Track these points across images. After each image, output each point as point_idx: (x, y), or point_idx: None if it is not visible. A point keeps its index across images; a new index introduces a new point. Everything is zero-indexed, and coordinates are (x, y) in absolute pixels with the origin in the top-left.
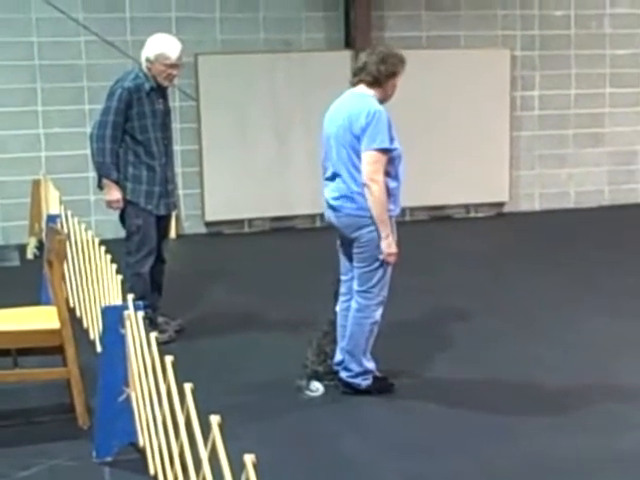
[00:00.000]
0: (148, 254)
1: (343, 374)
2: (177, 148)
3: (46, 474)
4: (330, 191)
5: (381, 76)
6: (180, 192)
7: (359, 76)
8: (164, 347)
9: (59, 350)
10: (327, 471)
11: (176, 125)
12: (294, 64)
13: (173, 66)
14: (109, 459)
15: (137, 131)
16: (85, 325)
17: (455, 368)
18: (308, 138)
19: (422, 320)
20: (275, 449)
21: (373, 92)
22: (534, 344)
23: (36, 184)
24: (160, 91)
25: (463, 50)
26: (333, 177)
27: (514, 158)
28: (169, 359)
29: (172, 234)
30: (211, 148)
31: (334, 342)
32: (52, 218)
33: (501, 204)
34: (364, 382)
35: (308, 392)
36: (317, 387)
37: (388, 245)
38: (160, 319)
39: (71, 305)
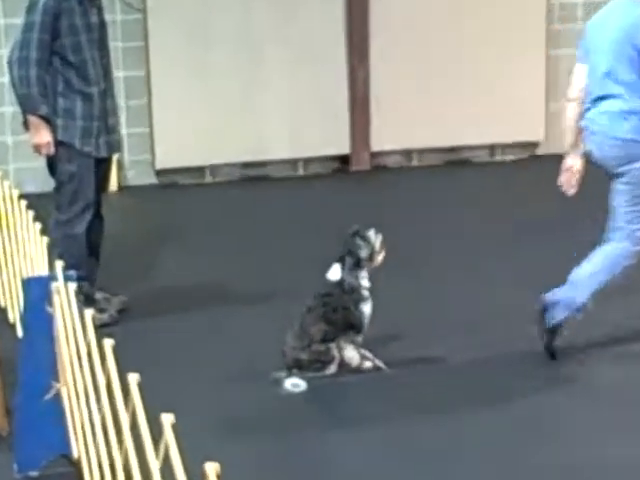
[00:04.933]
0: (84, 209)
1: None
2: (118, 74)
3: None
4: (597, 114)
5: None
6: (122, 132)
7: None
8: (103, 330)
9: None
10: None
11: (116, 44)
12: None
13: None
14: (34, 474)
15: (69, 50)
16: (2, 303)
17: (484, 354)
18: (289, 58)
19: (442, 294)
20: (246, 458)
21: None
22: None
23: None
24: None
25: None
26: (602, 98)
27: (551, 84)
28: (109, 343)
29: (112, 185)
30: (162, 74)
31: (321, 321)
32: None
33: (534, 144)
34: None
35: (287, 387)
36: (298, 382)
37: None
38: (98, 295)
39: None
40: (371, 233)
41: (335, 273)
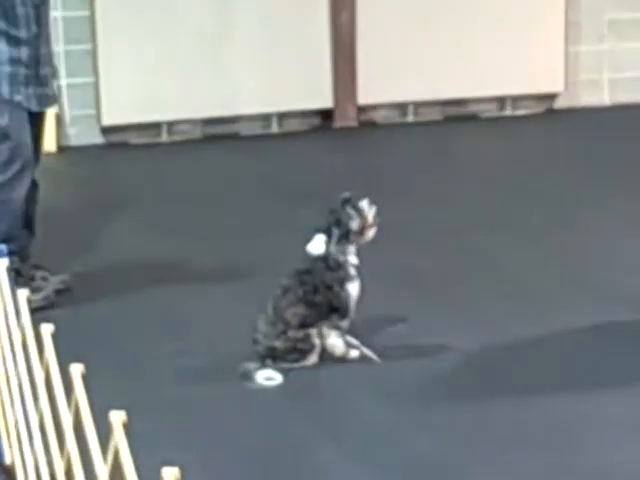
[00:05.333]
0: (23, 169)
1: None
2: (56, 14)
3: None
4: None
5: None
6: (62, 82)
7: None
8: (40, 315)
9: None
10: None
11: None
12: None
13: None
14: None
15: None
16: None
17: (484, 341)
18: None
19: (436, 272)
20: (209, 462)
21: None
22: (603, 308)
23: None
24: None
25: None
26: None
27: (571, 25)
28: (48, 330)
29: (49, 144)
30: (109, 14)
31: (299, 303)
32: None
33: (552, 96)
34: None
35: (260, 381)
36: (273, 375)
37: None
38: (34, 273)
39: None
40: (364, 203)
41: (318, 246)
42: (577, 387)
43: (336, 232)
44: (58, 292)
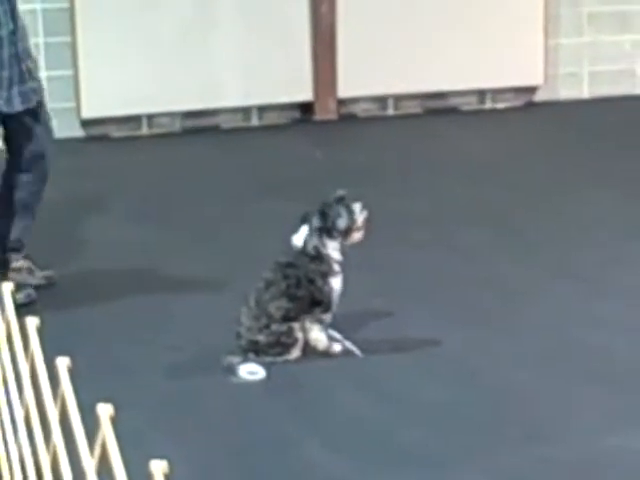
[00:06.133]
0: None
1: None
2: (36, 6)
3: None
4: None
5: None
6: (42, 75)
7: None
8: (24, 309)
9: None
10: None
11: None
12: None
13: None
14: None
15: None
16: None
17: (466, 333)
18: None
19: (418, 265)
20: (195, 455)
21: None
22: (581, 297)
23: None
24: None
25: None
26: None
27: (551, 19)
28: (33, 322)
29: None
30: (89, 6)
31: (282, 297)
32: None
33: (532, 89)
34: None
35: (242, 375)
36: (255, 369)
37: None
38: (22, 263)
39: None
40: (357, 205)
41: (302, 238)
42: (560, 376)
43: (316, 223)
44: (40, 286)
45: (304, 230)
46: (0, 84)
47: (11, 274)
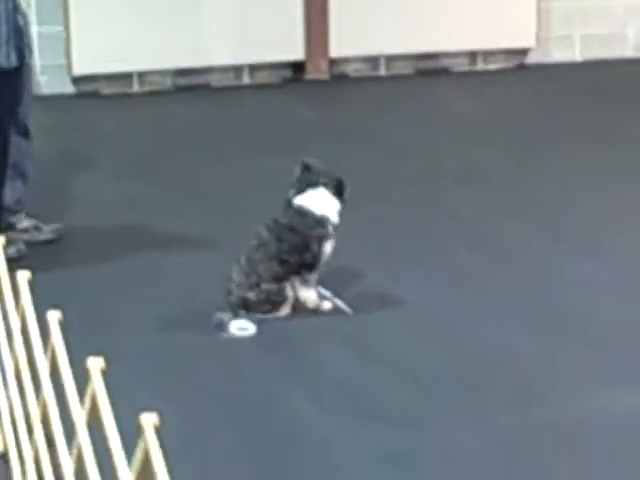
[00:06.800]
0: None
1: None
2: None
3: None
4: None
5: None
6: (33, 31)
7: None
8: (14, 265)
9: None
10: (267, 448)
11: None
12: None
13: None
14: None
15: None
16: None
17: (454, 293)
18: None
19: (407, 224)
20: (185, 409)
21: None
22: (569, 257)
23: None
24: None
25: None
26: None
27: None
28: (24, 276)
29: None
30: None
31: (272, 260)
32: None
33: (524, 51)
34: None
35: (233, 331)
36: (246, 325)
37: None
38: (26, 223)
39: None
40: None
41: (318, 202)
42: (548, 337)
43: (334, 191)
44: (50, 241)
45: (316, 194)
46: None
47: (20, 235)
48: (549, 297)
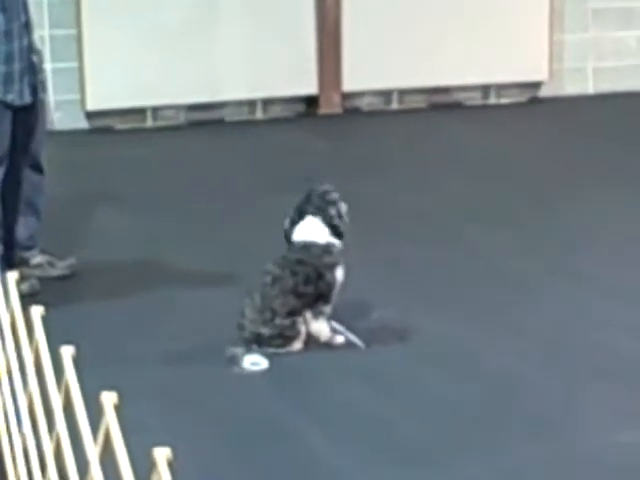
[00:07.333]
0: None
1: None
2: None
3: None
4: None
5: None
6: (47, 66)
7: None
8: (29, 300)
9: None
10: None
11: None
12: None
13: None
14: None
15: None
16: None
17: (469, 327)
18: None
19: (421, 259)
20: (199, 444)
21: None
22: (586, 294)
23: None
24: None
25: None
26: None
27: (556, 13)
28: (37, 311)
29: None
30: None
31: (289, 294)
32: None
33: (536, 85)
34: None
35: (246, 365)
36: (258, 360)
37: None
38: (39, 259)
39: None
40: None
41: (313, 231)
42: (564, 372)
43: (330, 215)
44: (64, 277)
45: (307, 225)
46: (12, 77)
47: (33, 271)
48: (566, 333)
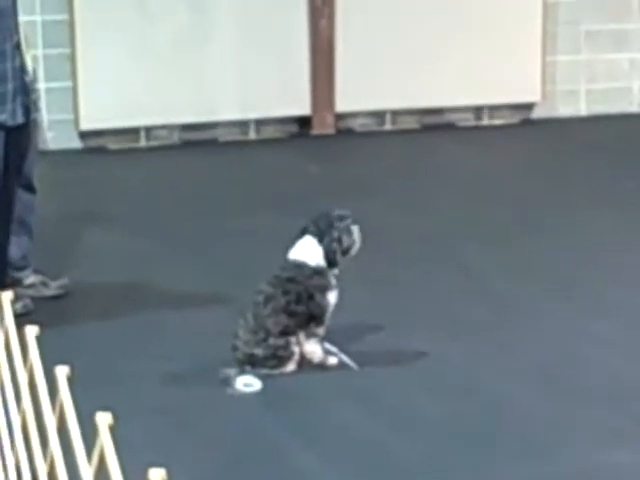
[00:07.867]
0: None
1: None
2: (35, 18)
3: None
4: None
5: None
6: (40, 86)
7: None
8: (23, 319)
9: None
10: None
11: None
12: None
13: None
14: None
15: None
16: None
17: (463, 348)
18: (239, 1)
19: (414, 280)
20: (192, 466)
21: None
22: (578, 315)
23: None
24: None
25: None
26: None
27: (548, 36)
28: (32, 331)
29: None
30: (88, 18)
31: (282, 313)
32: None
33: (529, 106)
34: None
35: (239, 387)
36: (251, 381)
37: None
38: (32, 278)
39: None
40: (355, 227)
41: (307, 251)
42: (558, 392)
43: (334, 246)
44: (57, 297)
45: (303, 244)
46: (5, 97)
47: (27, 291)
48: (559, 353)
